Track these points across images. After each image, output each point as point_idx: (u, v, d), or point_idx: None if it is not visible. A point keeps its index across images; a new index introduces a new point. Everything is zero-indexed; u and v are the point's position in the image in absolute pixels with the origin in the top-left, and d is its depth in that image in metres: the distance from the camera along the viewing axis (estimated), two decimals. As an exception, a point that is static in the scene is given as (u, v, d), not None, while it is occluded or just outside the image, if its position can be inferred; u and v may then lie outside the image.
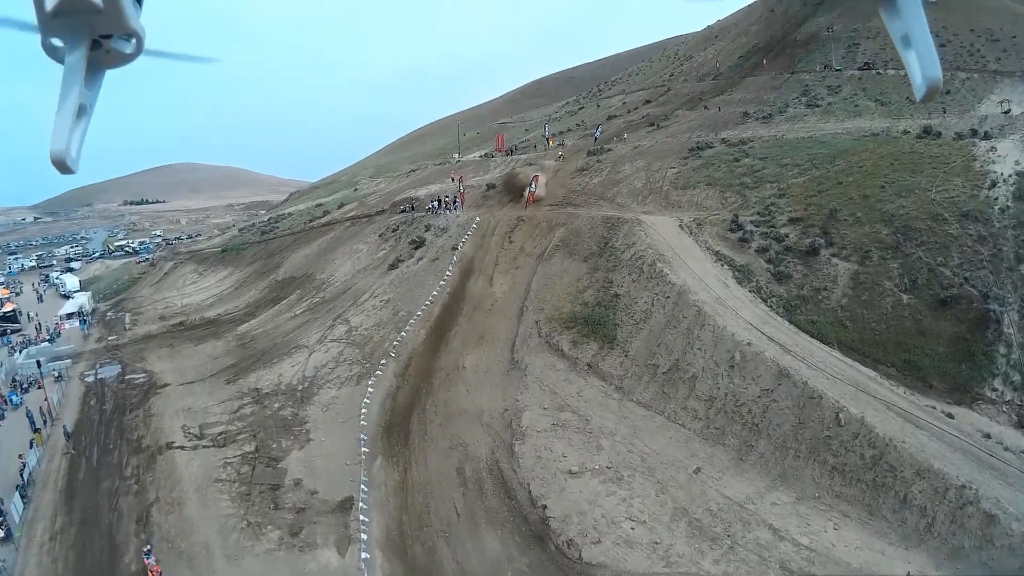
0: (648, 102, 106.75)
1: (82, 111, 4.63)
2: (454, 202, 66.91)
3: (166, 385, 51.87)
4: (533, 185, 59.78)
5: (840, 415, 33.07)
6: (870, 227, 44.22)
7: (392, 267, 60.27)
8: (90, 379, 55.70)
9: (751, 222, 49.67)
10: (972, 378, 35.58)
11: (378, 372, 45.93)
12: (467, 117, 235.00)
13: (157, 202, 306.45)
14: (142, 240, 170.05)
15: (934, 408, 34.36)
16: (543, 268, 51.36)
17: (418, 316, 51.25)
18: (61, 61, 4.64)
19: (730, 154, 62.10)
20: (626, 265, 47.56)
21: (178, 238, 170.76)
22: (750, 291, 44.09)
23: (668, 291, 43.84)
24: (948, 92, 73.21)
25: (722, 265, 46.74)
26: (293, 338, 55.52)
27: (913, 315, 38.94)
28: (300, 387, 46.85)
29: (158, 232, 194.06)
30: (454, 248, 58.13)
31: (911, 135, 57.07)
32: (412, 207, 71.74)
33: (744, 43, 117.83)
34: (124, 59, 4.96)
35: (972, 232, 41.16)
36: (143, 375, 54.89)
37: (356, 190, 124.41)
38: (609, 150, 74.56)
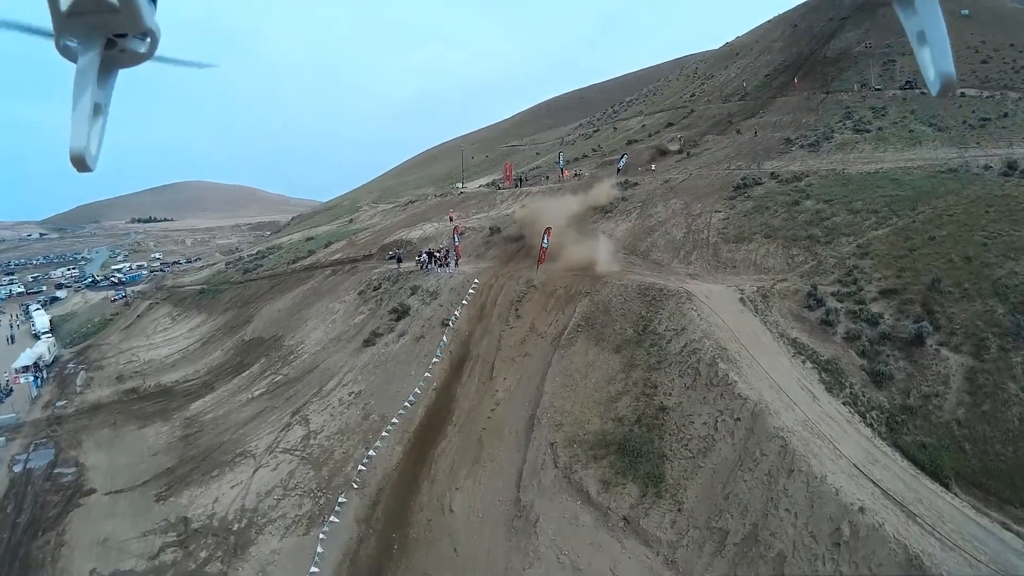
0: (670, 124, 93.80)
1: (98, 110, 4.24)
2: (447, 256, 50.85)
3: (92, 492, 38.69)
4: (545, 240, 43.96)
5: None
6: (982, 303, 31.81)
7: (367, 343, 44.83)
8: (18, 468, 43.45)
9: (832, 295, 35.75)
10: None
11: (336, 511, 31.19)
12: (476, 139, 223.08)
13: (165, 220, 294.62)
14: (140, 264, 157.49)
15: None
16: (561, 359, 35.73)
17: (394, 425, 35.91)
18: (75, 61, 4.18)
19: (786, 194, 48.44)
20: (675, 362, 32.23)
21: (176, 262, 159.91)
22: (844, 402, 29.71)
23: (737, 409, 28.67)
24: (1005, 115, 62.61)
25: (803, 361, 31.94)
26: (242, 437, 40.74)
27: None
28: (236, 525, 32.17)
29: (157, 255, 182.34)
30: (445, 323, 42.56)
31: (994, 171, 44.96)
32: (399, 258, 56.08)
33: (769, 61, 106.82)
34: (138, 58, 4.48)
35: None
36: (72, 470, 42.15)
37: (351, 222, 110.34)
38: (635, 184, 59.55)
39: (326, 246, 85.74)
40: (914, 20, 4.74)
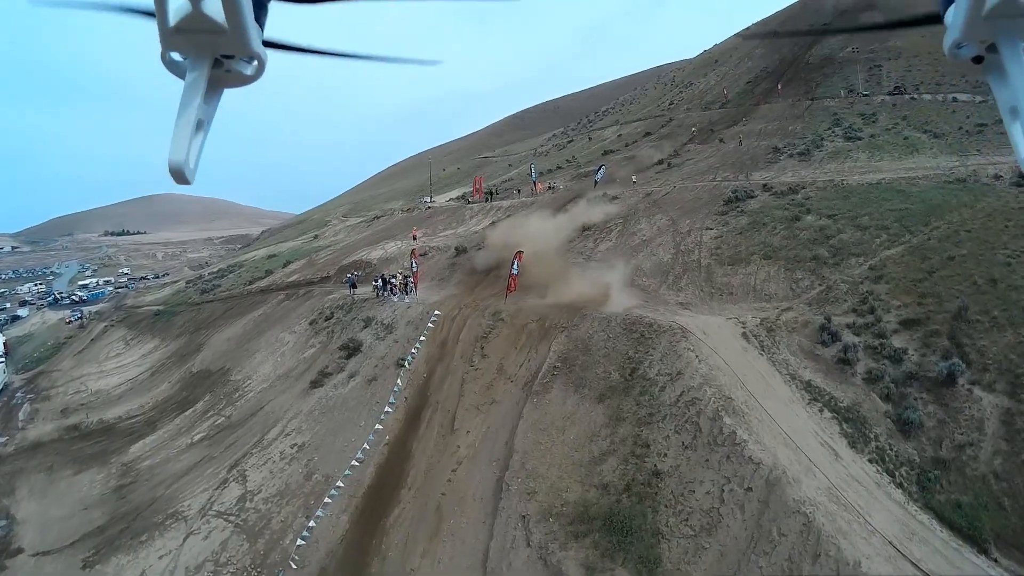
0: (648, 134, 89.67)
1: (200, 125, 3.86)
2: (405, 284, 45.11)
3: (19, 552, 34.37)
4: (515, 266, 38.35)
5: None
6: (1014, 333, 27.49)
7: (315, 384, 38.88)
8: (-50, 519, 38.65)
9: (848, 327, 30.74)
10: None
11: (267, 602, 25.21)
12: (449, 150, 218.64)
13: (138, 233, 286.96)
14: (107, 279, 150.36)
15: None
16: (533, 408, 30.11)
17: (339, 489, 30.10)
18: (180, 76, 3.87)
19: (783, 208, 43.73)
20: (670, 414, 26.80)
21: (143, 278, 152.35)
22: (870, 459, 24.76)
23: (749, 476, 23.42)
24: (1001, 120, 55.11)
25: (821, 410, 26.83)
26: (176, 492, 34.99)
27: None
28: (157, 612, 26.34)
29: (125, 270, 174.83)
30: (400, 364, 36.61)
31: (1005, 181, 41.15)
32: (354, 283, 50.26)
33: (750, 67, 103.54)
34: (244, 80, 4.06)
35: None
36: (3, 523, 37.94)
37: (316, 238, 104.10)
38: (615, 198, 54.30)
39: (284, 266, 79.95)
40: (1007, 94, 3.49)
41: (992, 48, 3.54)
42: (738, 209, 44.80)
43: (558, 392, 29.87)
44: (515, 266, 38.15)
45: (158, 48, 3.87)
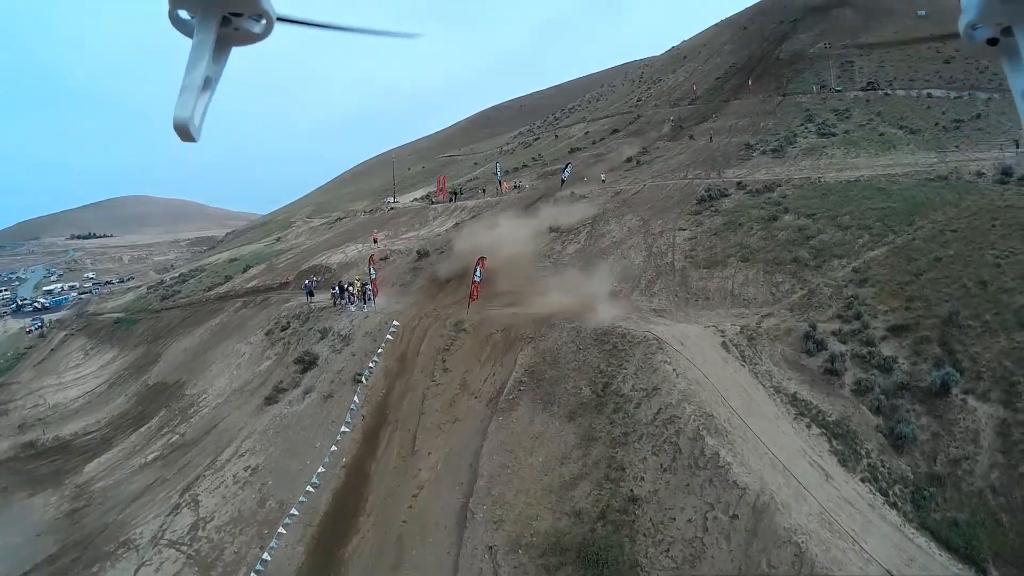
0: (616, 131, 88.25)
1: (207, 84, 4.15)
2: (363, 291, 42.76)
3: None
4: (477, 272, 36.14)
5: None
6: (1007, 339, 26.27)
7: (270, 400, 36.42)
8: None
9: (834, 334, 29.21)
10: None
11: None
12: (415, 149, 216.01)
13: (104, 236, 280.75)
14: (72, 284, 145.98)
15: None
16: (499, 428, 27.97)
17: (294, 517, 27.79)
18: (188, 35, 4.18)
19: (759, 207, 42.08)
20: (647, 434, 24.81)
21: (108, 282, 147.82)
22: (862, 478, 23.20)
23: (734, 502, 21.58)
24: (978, 116, 60.15)
25: (808, 425, 25.10)
26: (128, 518, 32.44)
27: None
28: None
29: (90, 275, 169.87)
30: (357, 379, 34.24)
31: (988, 178, 40.29)
32: (310, 291, 47.60)
33: (719, 63, 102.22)
34: (253, 38, 4.43)
35: None
36: None
37: (279, 240, 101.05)
38: (583, 197, 52.04)
39: (244, 271, 77.00)
40: (1020, 76, 3.96)
41: (1007, 31, 3.79)
42: (712, 208, 43.11)
43: (525, 409, 27.82)
44: (478, 273, 35.91)
45: (164, 6, 4.00)
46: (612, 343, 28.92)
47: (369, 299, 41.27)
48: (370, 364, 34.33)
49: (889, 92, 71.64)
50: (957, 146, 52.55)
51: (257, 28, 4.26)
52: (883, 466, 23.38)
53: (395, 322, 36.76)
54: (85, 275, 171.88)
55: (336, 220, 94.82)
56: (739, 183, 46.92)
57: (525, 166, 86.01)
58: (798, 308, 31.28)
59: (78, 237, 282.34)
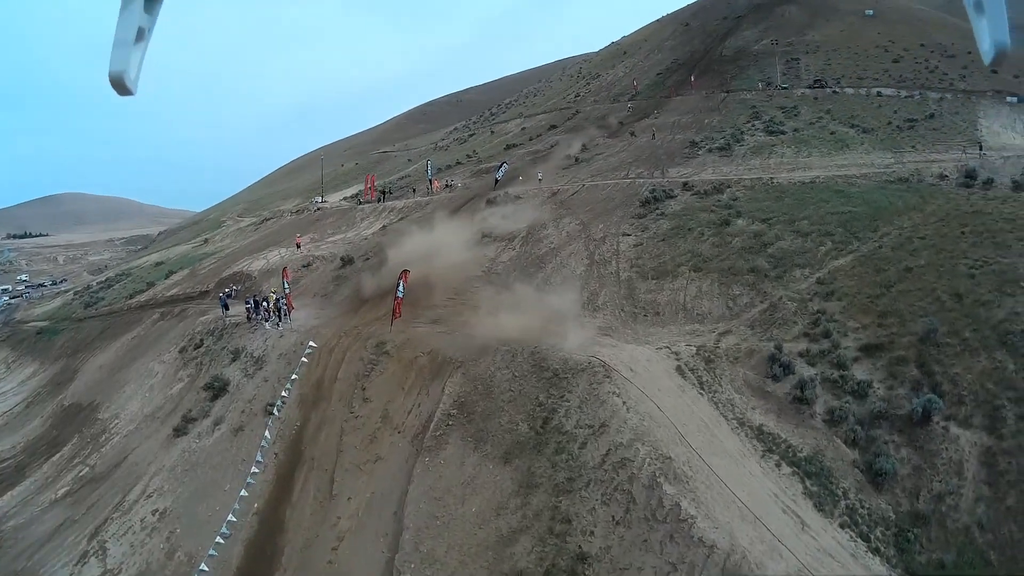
0: (553, 127, 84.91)
1: (141, 35, 3.88)
2: (277, 307, 38.65)
3: None
4: (400, 288, 32.28)
5: None
6: (988, 357, 24.54)
7: (178, 432, 32.25)
8: None
9: (801, 355, 26.77)
10: None
11: None
12: (349, 145, 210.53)
13: (40, 235, 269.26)
14: (4, 287, 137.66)
15: None
16: (426, 470, 24.48)
17: (204, 573, 24.10)
18: None
19: (709, 210, 39.84)
20: (595, 479, 21.68)
21: (41, 284, 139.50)
22: (841, 523, 20.83)
23: (700, 562, 18.84)
24: (931, 116, 59.71)
25: (778, 464, 22.44)
26: (38, 565, 28.88)
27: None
28: None
29: (23, 277, 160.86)
30: (269, 410, 30.24)
31: (951, 181, 39.07)
32: (226, 303, 42.69)
33: (660, 59, 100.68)
34: None
35: None
36: None
37: (206, 242, 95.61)
38: (518, 198, 48.79)
39: (167, 276, 72.07)
40: None
41: None
42: (657, 211, 40.32)
43: (455, 449, 24.31)
44: (400, 288, 32.06)
45: None
46: (552, 370, 25.68)
47: (284, 315, 37.21)
48: (283, 392, 30.37)
49: (838, 90, 70.27)
50: (913, 146, 51.04)
51: None
52: (862, 507, 21.12)
53: (311, 343, 32.85)
54: (18, 277, 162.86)
55: (263, 221, 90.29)
56: (685, 183, 44.29)
57: (459, 163, 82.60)
58: (759, 325, 28.55)
59: (14, 236, 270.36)
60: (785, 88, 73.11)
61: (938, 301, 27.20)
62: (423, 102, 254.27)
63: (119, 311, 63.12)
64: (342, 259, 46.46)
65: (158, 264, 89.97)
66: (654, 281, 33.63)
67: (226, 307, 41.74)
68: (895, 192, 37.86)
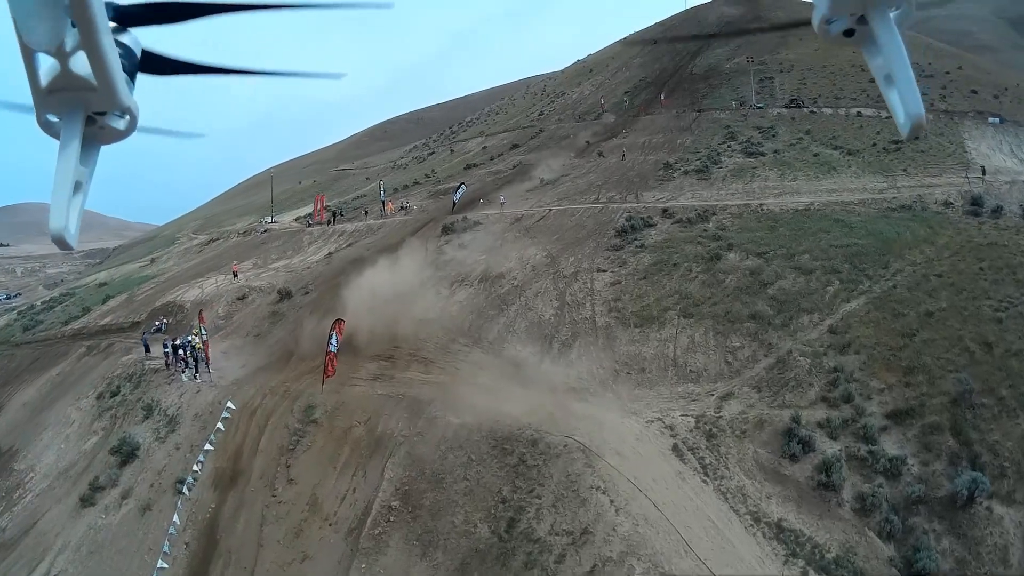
0: (516, 146, 79.84)
1: (78, 187, 4.03)
2: (194, 355, 32.44)
3: None
4: (333, 341, 26.33)
5: None
6: None
7: (85, 502, 25.99)
8: None
9: (820, 426, 22.25)
10: None
11: None
12: (309, 162, 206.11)
13: (1, 245, 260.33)
14: None
15: None
16: (362, 578, 18.88)
17: None
18: (57, 136, 3.97)
19: (695, 242, 35.35)
20: (578, 610, 16.32)
21: None
22: None
23: None
24: (917, 139, 52.31)
25: (803, 570, 18.03)
26: None
27: None
28: None
29: None
30: (179, 488, 24.27)
31: (957, 209, 36.60)
32: (147, 344, 36.47)
33: (628, 77, 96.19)
34: (118, 135, 4.16)
35: None
36: None
37: (153, 262, 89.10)
38: (478, 224, 43.76)
39: (104, 301, 65.45)
40: (879, 62, 3.95)
41: (862, 20, 3.81)
42: (636, 243, 35.41)
43: (398, 554, 18.80)
44: (334, 341, 25.96)
45: (34, 113, 3.83)
46: (518, 454, 20.46)
47: (201, 366, 31.24)
48: (195, 466, 24.57)
49: (815, 110, 66.41)
50: (904, 169, 47.35)
51: (121, 124, 3.96)
52: (905, 620, 17.30)
53: (230, 404, 26.96)
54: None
55: (209, 242, 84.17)
56: (665, 210, 39.87)
57: (416, 183, 77.39)
58: (767, 386, 23.84)
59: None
60: (760, 107, 69.33)
61: (966, 352, 23.88)
62: (385, 119, 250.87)
63: (53, 339, 56.86)
64: (279, 292, 40.69)
65: (101, 285, 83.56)
66: (637, 329, 28.44)
67: (147, 348, 35.88)
68: (900, 221, 34.69)
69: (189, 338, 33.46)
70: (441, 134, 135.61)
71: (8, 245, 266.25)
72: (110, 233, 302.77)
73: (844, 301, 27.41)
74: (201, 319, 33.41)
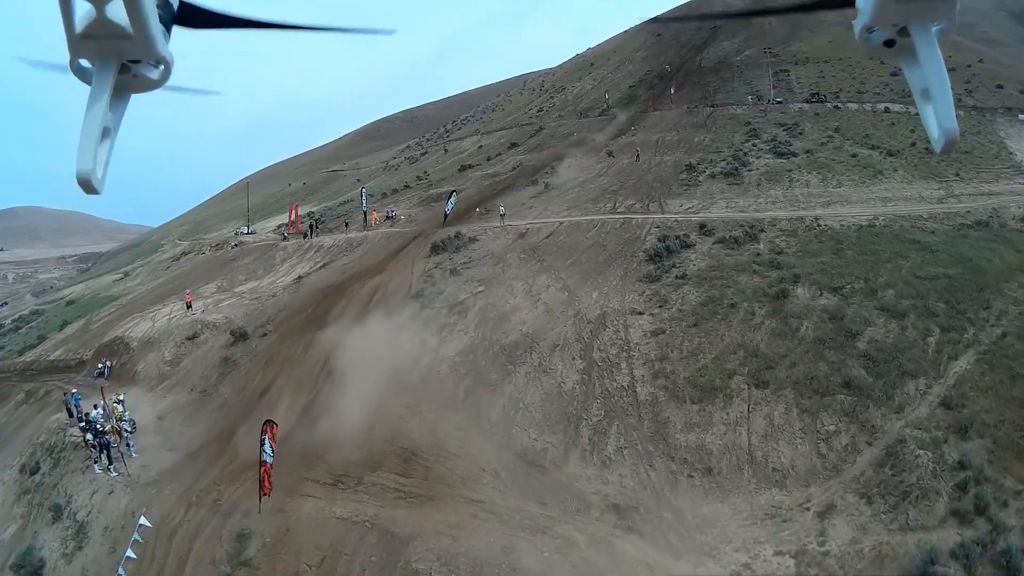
0: (514, 145, 73.03)
1: (106, 133, 3.88)
2: (103, 441, 24.51)
3: None
4: (267, 448, 18.67)
5: None
6: None
7: None
8: None
9: (954, 556, 15.33)
10: None
11: None
12: (301, 163, 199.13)
13: None
14: None
15: None
16: None
17: None
18: (88, 82, 3.86)
19: (749, 269, 28.32)
20: None
21: None
22: None
23: None
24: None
25: None
26: None
27: None
28: None
29: None
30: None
31: None
32: (69, 408, 28.38)
33: (632, 71, 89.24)
34: (151, 85, 4.08)
35: None
36: None
37: (125, 276, 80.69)
38: (473, 240, 36.97)
39: (61, 327, 57.75)
40: (918, 75, 3.68)
41: (903, 31, 3.63)
42: (675, 270, 28.21)
43: None
44: (267, 449, 18.33)
45: (67, 56, 3.80)
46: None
47: (115, 456, 23.56)
48: None
49: (839, 105, 60.08)
50: (957, 173, 41.21)
51: (155, 74, 3.90)
52: None
53: (144, 520, 19.42)
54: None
55: (181, 255, 76.33)
56: (702, 225, 32.76)
57: (407, 187, 70.25)
58: (879, 494, 16.86)
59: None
60: (780, 102, 62.83)
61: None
62: (378, 118, 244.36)
63: (3, 371, 49.02)
64: (232, 333, 33.13)
65: (69, 304, 75.48)
66: (695, 406, 20.75)
67: (69, 412, 28.22)
68: (982, 243, 29.73)
69: (115, 402, 25.89)
70: (435, 133, 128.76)
71: (3, 250, 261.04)
72: (103, 235, 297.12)
73: (951, 358, 20.84)
74: (103, 396, 25.72)
